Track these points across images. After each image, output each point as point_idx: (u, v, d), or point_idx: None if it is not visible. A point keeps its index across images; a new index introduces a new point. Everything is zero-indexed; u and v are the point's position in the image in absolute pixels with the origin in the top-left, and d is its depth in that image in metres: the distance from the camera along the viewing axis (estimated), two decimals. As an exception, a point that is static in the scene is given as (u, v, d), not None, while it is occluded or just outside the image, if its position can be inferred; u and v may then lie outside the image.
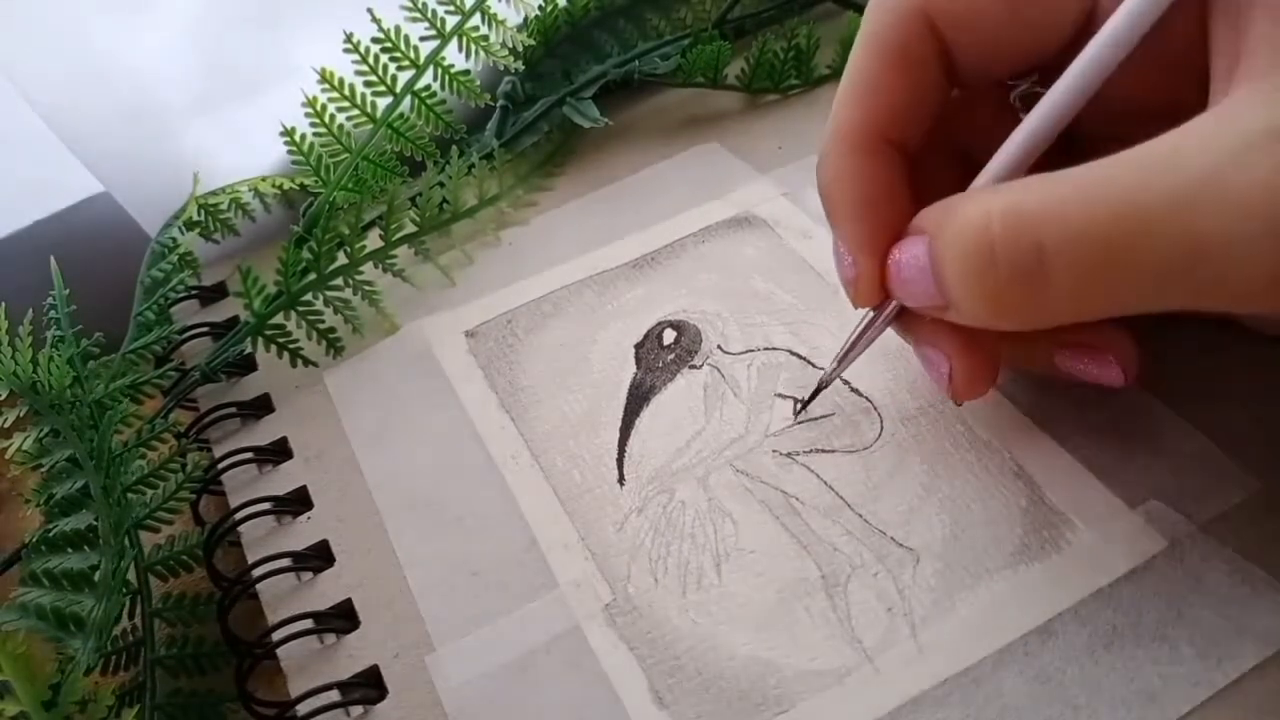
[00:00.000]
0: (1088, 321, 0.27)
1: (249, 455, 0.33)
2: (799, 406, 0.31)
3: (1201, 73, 0.22)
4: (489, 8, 0.39)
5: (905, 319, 0.27)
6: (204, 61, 0.38)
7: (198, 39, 0.38)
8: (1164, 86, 0.23)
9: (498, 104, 0.42)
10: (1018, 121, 0.24)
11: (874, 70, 0.26)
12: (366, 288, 0.36)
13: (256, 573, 0.30)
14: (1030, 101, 0.25)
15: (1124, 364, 0.27)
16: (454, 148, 0.39)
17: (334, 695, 0.27)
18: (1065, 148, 0.23)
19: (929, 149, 0.27)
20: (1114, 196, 0.20)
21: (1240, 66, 0.21)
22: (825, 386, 0.30)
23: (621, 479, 0.30)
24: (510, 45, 0.40)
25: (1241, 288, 0.20)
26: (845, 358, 0.29)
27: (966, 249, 0.22)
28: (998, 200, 0.22)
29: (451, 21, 0.38)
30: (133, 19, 0.37)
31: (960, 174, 0.26)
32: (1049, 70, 0.24)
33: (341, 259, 0.36)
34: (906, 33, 0.25)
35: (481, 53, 0.39)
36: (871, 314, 0.28)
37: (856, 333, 0.28)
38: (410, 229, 0.37)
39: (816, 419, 0.31)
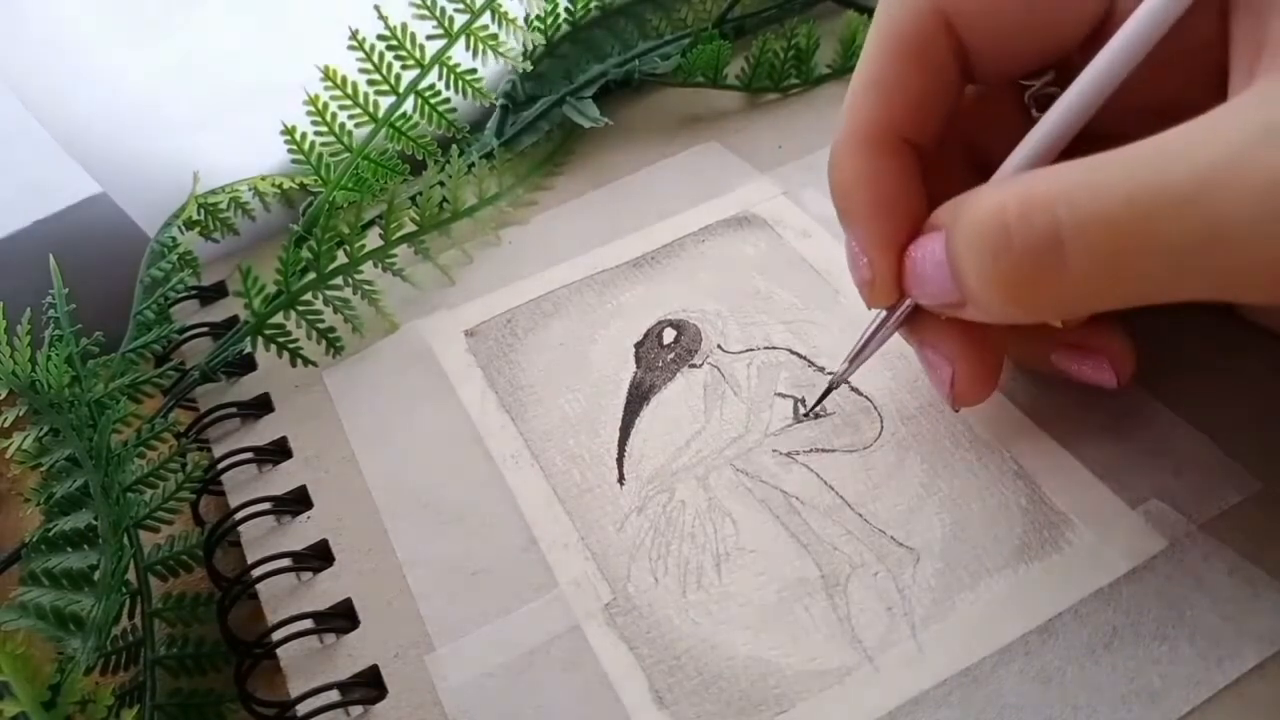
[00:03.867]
0: (1088, 320, 0.27)
1: (249, 455, 0.33)
2: (807, 410, 0.31)
3: (1221, 71, 0.22)
4: (499, 6, 0.39)
5: (912, 322, 0.27)
6: (204, 60, 0.38)
7: (198, 38, 0.38)
8: (1183, 86, 0.23)
9: (498, 103, 0.42)
10: (1033, 121, 0.24)
11: (889, 68, 0.25)
12: (366, 287, 0.36)
13: (256, 573, 0.30)
14: (1045, 102, 0.24)
15: (1118, 367, 0.27)
16: (454, 147, 0.39)
17: (334, 695, 0.27)
18: (1083, 148, 0.23)
19: (944, 148, 0.27)
20: (1132, 178, 0.20)
21: (1263, 59, 0.20)
22: (835, 387, 0.30)
23: (621, 478, 0.30)
24: (524, 46, 0.40)
25: (1259, 274, 0.19)
26: (857, 358, 0.29)
27: (983, 236, 0.22)
28: (1013, 187, 0.22)
29: (460, 20, 0.38)
30: (132, 17, 0.36)
31: (975, 173, 0.26)
32: (1066, 69, 0.24)
33: (341, 258, 0.36)
34: (922, 30, 0.25)
35: (490, 52, 0.39)
36: (884, 314, 0.28)
37: (869, 333, 0.28)
38: (410, 228, 0.37)
39: (817, 418, 0.31)
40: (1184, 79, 0.23)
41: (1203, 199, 0.19)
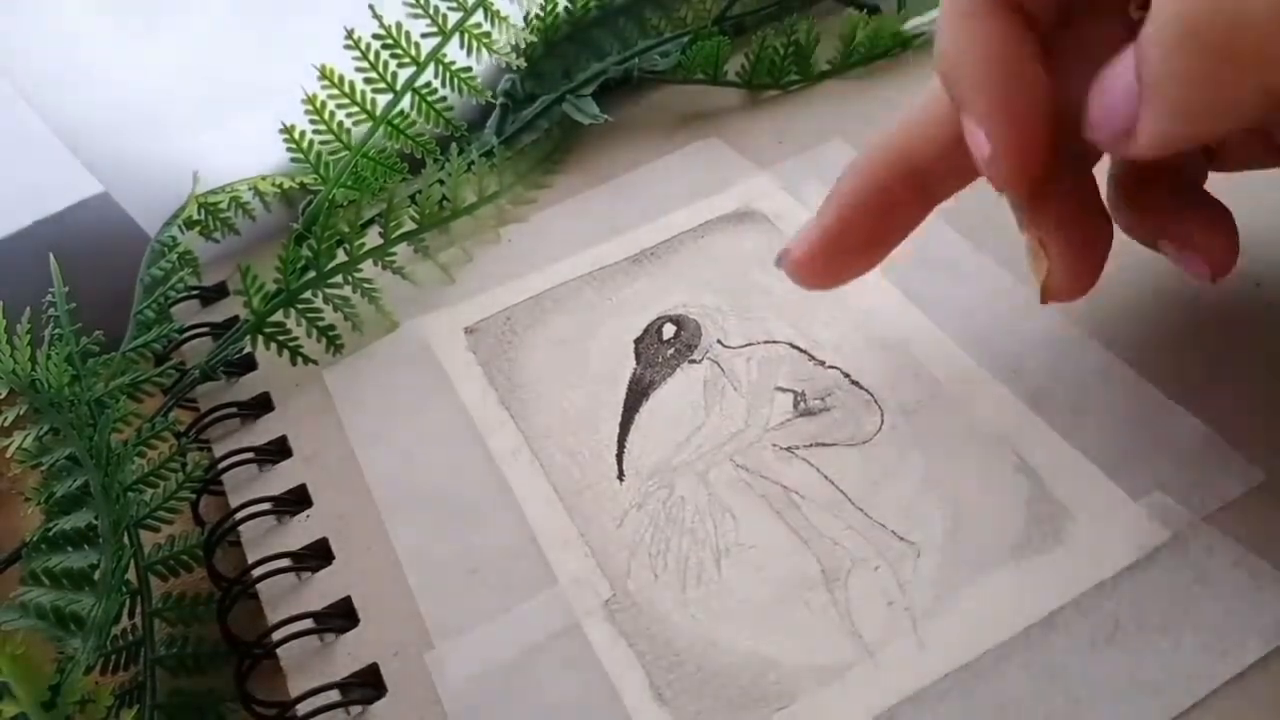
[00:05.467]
0: (1200, 214, 0.27)
1: (249, 455, 0.33)
2: None
3: None
4: (491, 4, 0.39)
5: (1032, 207, 0.26)
6: (204, 60, 0.38)
7: (198, 38, 0.38)
8: None
9: (497, 102, 0.42)
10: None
11: None
12: (366, 285, 0.36)
13: (256, 572, 0.30)
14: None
15: (1215, 263, 0.26)
16: (454, 145, 0.39)
17: (334, 695, 0.27)
18: None
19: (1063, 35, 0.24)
20: None
21: None
22: None
23: (621, 474, 0.30)
24: (514, 42, 0.40)
25: None
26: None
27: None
28: None
29: (453, 18, 0.38)
30: (133, 17, 0.37)
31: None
32: None
33: (341, 256, 0.36)
34: None
35: (483, 50, 0.39)
36: None
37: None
38: (410, 226, 0.37)
39: (816, 413, 0.31)
40: None
41: None
